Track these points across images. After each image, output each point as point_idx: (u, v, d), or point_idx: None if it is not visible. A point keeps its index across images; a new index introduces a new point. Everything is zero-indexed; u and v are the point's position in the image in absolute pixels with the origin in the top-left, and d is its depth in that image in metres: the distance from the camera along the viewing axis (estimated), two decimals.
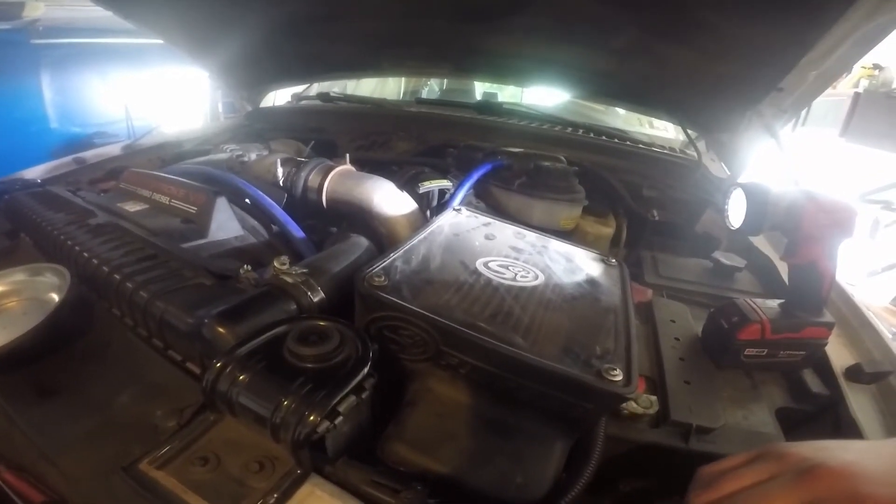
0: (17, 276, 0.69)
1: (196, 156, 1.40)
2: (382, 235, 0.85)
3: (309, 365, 0.41)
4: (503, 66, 1.31)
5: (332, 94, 1.68)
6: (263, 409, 0.38)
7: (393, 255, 0.61)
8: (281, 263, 0.56)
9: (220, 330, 0.46)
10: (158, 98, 2.95)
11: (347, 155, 0.98)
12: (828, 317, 0.72)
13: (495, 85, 2.26)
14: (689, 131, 1.33)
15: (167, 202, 0.85)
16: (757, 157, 1.22)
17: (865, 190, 2.45)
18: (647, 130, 1.73)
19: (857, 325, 0.83)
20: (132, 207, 0.88)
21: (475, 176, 0.93)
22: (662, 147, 1.43)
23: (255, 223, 0.84)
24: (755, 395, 0.69)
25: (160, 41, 1.45)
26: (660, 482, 0.63)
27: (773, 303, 0.74)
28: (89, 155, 1.41)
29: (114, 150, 1.49)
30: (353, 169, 0.95)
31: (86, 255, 0.67)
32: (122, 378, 0.52)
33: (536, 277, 0.67)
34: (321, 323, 0.45)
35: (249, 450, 0.40)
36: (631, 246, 1.15)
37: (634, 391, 0.49)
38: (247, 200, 0.86)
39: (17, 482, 0.48)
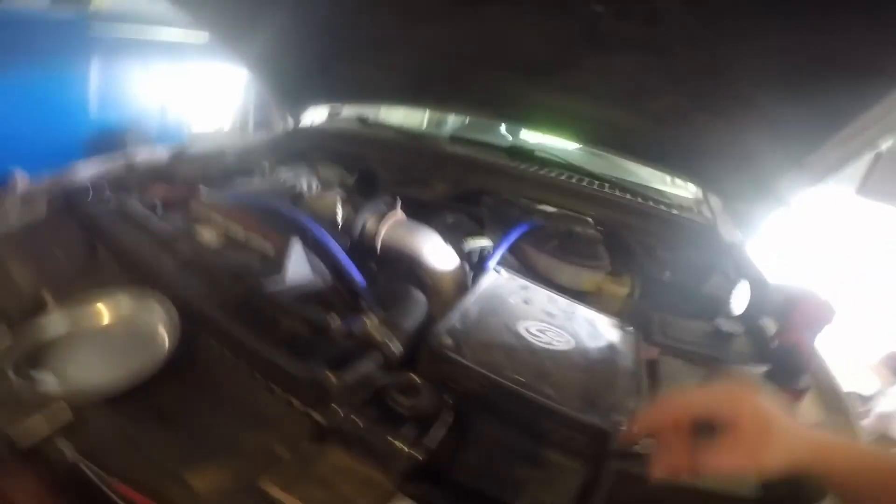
0: (122, 299, 0.78)
1: (239, 173, 1.49)
2: (428, 286, 0.96)
3: (407, 412, 0.53)
4: (543, 118, 1.41)
5: (369, 120, 1.79)
6: (378, 445, 0.50)
7: (453, 317, 0.74)
8: (372, 322, 0.68)
9: (334, 379, 0.58)
10: (193, 98, 2.99)
11: (398, 200, 1.10)
12: (804, 383, 0.85)
13: None
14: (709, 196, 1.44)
15: (242, 236, 0.96)
16: (769, 224, 1.32)
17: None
18: (666, 187, 1.84)
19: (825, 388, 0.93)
20: (208, 235, 0.98)
21: (513, 236, 1.05)
22: (682, 207, 1.54)
23: (319, 264, 0.95)
24: None
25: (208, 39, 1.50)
26: None
27: (760, 369, 0.87)
28: (137, 158, 1.47)
29: (158, 153, 1.54)
30: (405, 217, 1.07)
31: (184, 291, 0.77)
32: (236, 409, 0.62)
33: (568, 343, 0.79)
34: (416, 379, 0.58)
35: (356, 474, 0.52)
36: (642, 303, 1.26)
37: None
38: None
39: (139, 498, 0.55)
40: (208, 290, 0.77)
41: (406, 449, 0.51)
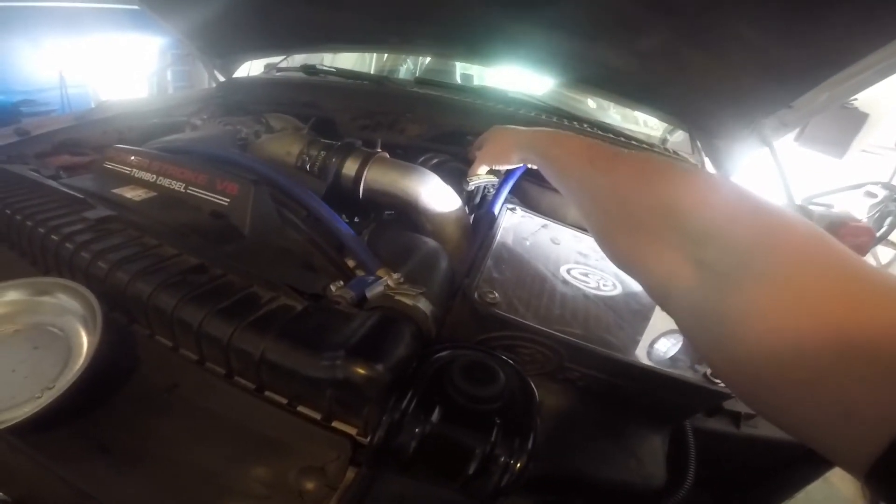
0: (12, 294, 0.52)
1: (169, 130, 1.23)
2: (428, 232, 0.80)
3: (483, 406, 0.36)
4: (522, 55, 1.26)
5: (318, 67, 1.54)
6: (459, 461, 0.33)
7: (486, 266, 0.57)
8: (396, 282, 0.49)
9: (367, 372, 0.38)
10: (97, 65, 2.65)
11: (379, 140, 0.90)
12: None
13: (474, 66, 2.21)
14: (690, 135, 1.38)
15: (181, 189, 0.73)
16: (746, 164, 1.29)
17: (810, 194, 2.71)
18: (635, 127, 1.78)
19: None
20: (132, 194, 0.75)
21: (518, 173, 0.90)
22: (654, 146, 1.47)
23: (288, 215, 0.74)
24: None
25: (102, 4, 1.25)
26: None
27: None
28: (31, 125, 1.19)
29: (61, 120, 1.26)
30: (388, 156, 0.88)
31: (101, 264, 0.53)
32: (221, 434, 0.42)
33: (615, 287, 0.66)
34: (481, 356, 0.40)
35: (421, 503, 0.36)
36: None
37: None
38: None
39: None
40: (142, 264, 0.53)
41: (504, 459, 0.33)
